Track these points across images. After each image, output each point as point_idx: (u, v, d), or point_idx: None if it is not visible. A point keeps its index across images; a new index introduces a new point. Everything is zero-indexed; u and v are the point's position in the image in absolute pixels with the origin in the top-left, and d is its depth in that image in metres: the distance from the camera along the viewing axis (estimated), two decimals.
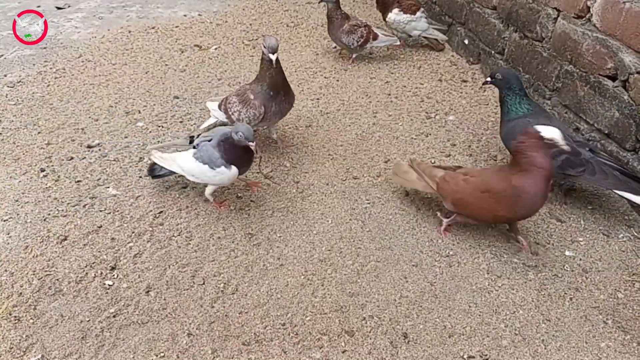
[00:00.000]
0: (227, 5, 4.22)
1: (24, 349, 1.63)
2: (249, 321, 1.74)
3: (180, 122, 2.74)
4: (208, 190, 2.14)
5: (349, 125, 2.77)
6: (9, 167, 2.37)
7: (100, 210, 2.15)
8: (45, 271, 1.88)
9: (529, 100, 2.24)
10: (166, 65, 3.29)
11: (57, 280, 1.85)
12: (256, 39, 3.67)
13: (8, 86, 3.00)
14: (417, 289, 1.87)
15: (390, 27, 3.45)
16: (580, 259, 2.00)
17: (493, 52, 3.09)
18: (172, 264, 1.93)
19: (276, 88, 2.28)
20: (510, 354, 1.66)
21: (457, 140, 2.67)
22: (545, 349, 1.68)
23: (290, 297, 1.83)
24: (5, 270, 1.88)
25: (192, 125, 2.71)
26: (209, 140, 2.05)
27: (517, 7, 2.83)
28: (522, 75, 2.84)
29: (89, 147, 2.52)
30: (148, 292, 1.82)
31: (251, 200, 2.23)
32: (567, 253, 2.03)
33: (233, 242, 2.04)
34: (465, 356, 1.65)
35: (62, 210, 2.15)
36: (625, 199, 2.11)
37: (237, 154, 2.00)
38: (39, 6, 4.09)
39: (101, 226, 2.08)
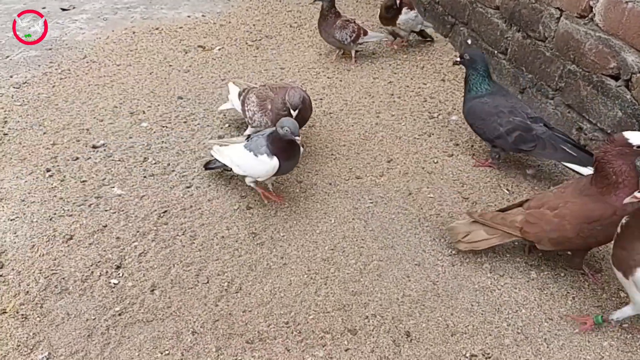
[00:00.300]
0: (231, 6, 4.24)
1: (31, 347, 1.65)
2: (253, 320, 1.75)
3: (184, 122, 2.76)
4: (248, 180, 2.16)
5: (352, 125, 2.78)
6: (15, 167, 2.40)
7: (106, 210, 2.17)
8: (52, 270, 1.90)
9: (491, 81, 2.41)
10: (170, 65, 3.31)
11: (63, 278, 1.87)
12: (259, 40, 3.69)
13: (14, 87, 3.03)
14: (419, 287, 1.88)
15: (400, 28, 3.45)
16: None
17: (496, 51, 3.10)
18: (176, 263, 1.95)
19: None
20: (512, 353, 1.66)
21: (460, 139, 2.68)
22: (547, 347, 1.68)
23: (294, 295, 1.84)
24: (13, 269, 1.90)
25: (195, 126, 2.73)
26: (262, 135, 2.10)
27: (519, 7, 2.83)
28: (525, 74, 2.85)
29: (94, 147, 2.54)
30: (153, 290, 1.84)
31: (254, 200, 2.25)
32: (569, 252, 2.03)
33: (237, 241, 2.05)
34: (467, 355, 1.66)
35: (68, 209, 2.17)
36: (574, 171, 2.23)
37: (282, 147, 2.02)
38: (44, 7, 4.12)
39: (106, 225, 2.10)
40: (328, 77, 3.24)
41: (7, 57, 3.35)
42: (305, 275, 1.92)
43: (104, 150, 2.53)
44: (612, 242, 1.62)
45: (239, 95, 2.48)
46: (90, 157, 2.47)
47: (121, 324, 1.72)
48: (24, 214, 2.14)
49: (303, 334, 1.71)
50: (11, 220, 2.11)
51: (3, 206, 2.18)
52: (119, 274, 1.90)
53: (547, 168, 2.49)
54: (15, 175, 2.35)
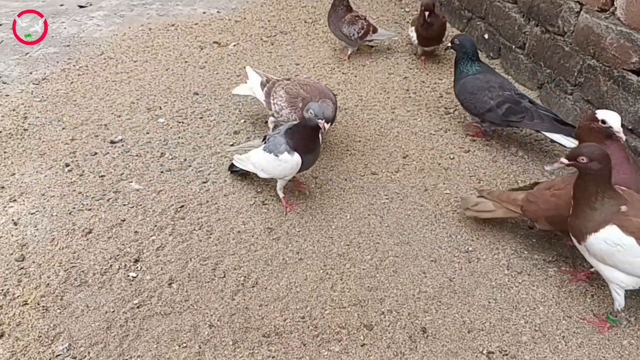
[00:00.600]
0: (246, 2, 4.25)
1: (52, 338, 1.68)
2: (269, 314, 1.76)
3: (200, 117, 2.77)
4: (278, 185, 2.15)
5: (367, 121, 2.77)
6: (35, 162, 2.44)
7: (124, 204, 2.20)
8: (71, 263, 1.93)
9: (480, 62, 2.57)
10: (186, 62, 3.33)
11: (83, 271, 1.90)
12: (274, 36, 3.69)
13: (34, 83, 3.07)
14: (435, 284, 1.87)
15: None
16: None
17: (514, 46, 3.06)
18: (193, 257, 1.96)
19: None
20: (530, 350, 1.65)
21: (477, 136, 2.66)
22: (565, 345, 1.66)
23: (309, 290, 1.85)
24: (33, 262, 1.93)
25: (211, 121, 2.74)
26: (278, 133, 2.09)
27: (538, 1, 2.79)
28: (543, 69, 2.81)
29: (112, 142, 2.57)
30: (170, 284, 1.86)
31: (270, 195, 2.26)
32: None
33: (253, 236, 2.06)
34: (484, 352, 1.65)
35: (87, 204, 2.20)
36: (558, 143, 2.34)
37: (302, 139, 2.00)
38: (62, 5, 4.17)
39: (124, 220, 2.12)
40: (343, 73, 3.23)
41: (27, 53, 3.40)
42: (321, 271, 1.92)
43: (122, 145, 2.56)
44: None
45: (262, 85, 2.47)
46: (108, 152, 2.50)
47: (139, 317, 1.74)
48: (44, 208, 2.18)
49: (319, 329, 1.71)
50: (32, 214, 2.15)
51: (24, 200, 2.22)
52: (137, 267, 1.92)
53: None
54: (35, 170, 2.39)
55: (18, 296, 1.81)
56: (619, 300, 1.65)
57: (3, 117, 2.75)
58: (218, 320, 1.74)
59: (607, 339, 1.68)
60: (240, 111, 2.83)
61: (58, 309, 1.77)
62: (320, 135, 2.05)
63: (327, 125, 2.07)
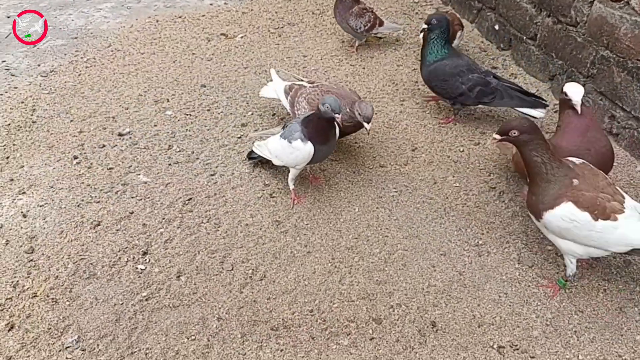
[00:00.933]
0: None
1: (61, 330, 1.68)
2: (277, 307, 1.76)
3: (208, 110, 2.76)
4: (290, 175, 2.13)
5: (376, 114, 2.73)
6: (44, 154, 2.44)
7: (132, 197, 2.20)
8: (80, 255, 1.94)
9: (449, 46, 2.56)
10: (193, 54, 3.32)
11: (92, 264, 1.90)
12: (282, 27, 3.66)
13: (42, 75, 3.07)
14: (445, 278, 1.85)
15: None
16: None
17: (525, 37, 3.01)
18: (201, 250, 1.96)
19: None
20: (541, 345, 1.63)
21: (487, 128, 2.62)
22: (577, 340, 1.64)
23: (318, 284, 1.84)
24: (43, 254, 1.94)
25: (219, 114, 2.73)
26: (297, 121, 2.08)
27: None
28: (555, 61, 2.76)
29: (119, 135, 2.57)
30: (179, 276, 1.86)
31: (278, 188, 2.24)
32: None
33: (261, 229, 2.05)
34: (495, 346, 1.63)
35: (95, 196, 2.20)
36: (529, 115, 2.41)
37: (318, 129, 1.99)
38: None
39: (133, 212, 2.12)
40: (351, 65, 3.20)
41: (35, 46, 3.40)
42: (329, 264, 1.91)
43: (130, 138, 2.55)
44: None
45: (285, 93, 2.43)
46: (116, 145, 2.50)
47: (148, 309, 1.74)
48: (53, 200, 2.18)
49: (327, 322, 1.70)
50: (40, 206, 2.15)
51: (32, 192, 2.22)
52: (145, 260, 1.92)
53: None
54: (44, 162, 2.39)
55: (27, 288, 1.82)
56: (572, 267, 1.74)
57: (12, 110, 2.75)
58: (226, 313, 1.73)
59: (620, 334, 1.66)
60: (247, 103, 2.81)
61: (67, 301, 1.77)
62: (336, 129, 2.03)
63: (368, 125, 2.07)
